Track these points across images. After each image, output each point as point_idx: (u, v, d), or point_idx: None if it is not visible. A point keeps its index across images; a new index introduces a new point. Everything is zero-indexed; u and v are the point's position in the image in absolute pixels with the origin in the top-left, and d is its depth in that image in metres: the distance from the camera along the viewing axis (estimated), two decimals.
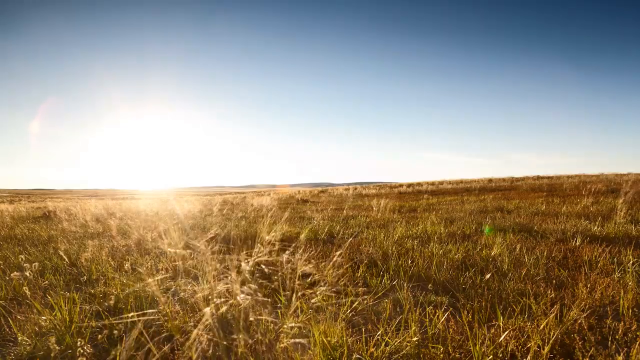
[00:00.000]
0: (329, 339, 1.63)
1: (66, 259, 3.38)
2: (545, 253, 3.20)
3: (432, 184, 22.47)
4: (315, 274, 2.20)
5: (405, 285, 2.58)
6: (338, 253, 1.77)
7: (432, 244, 3.78)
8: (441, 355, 1.61)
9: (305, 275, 2.69)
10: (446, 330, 1.84)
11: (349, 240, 4.09)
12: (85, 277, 2.93)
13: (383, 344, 1.67)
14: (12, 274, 2.53)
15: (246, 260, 1.40)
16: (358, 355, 1.62)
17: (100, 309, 2.26)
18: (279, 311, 2.05)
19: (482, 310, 2.07)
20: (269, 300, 2.24)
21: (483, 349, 1.58)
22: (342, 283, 2.54)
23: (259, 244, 1.57)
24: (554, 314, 1.83)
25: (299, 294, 1.63)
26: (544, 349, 1.56)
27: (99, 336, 1.74)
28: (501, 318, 1.90)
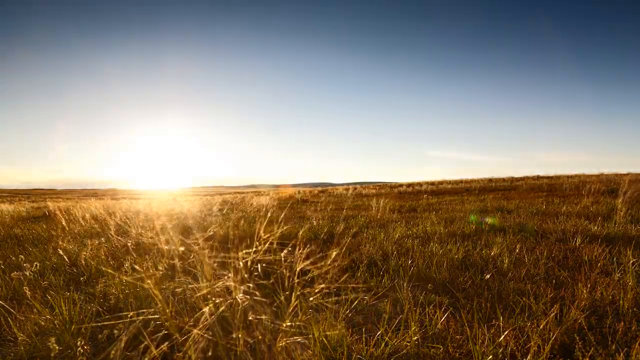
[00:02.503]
0: (328, 338, 1.63)
1: (66, 259, 3.38)
2: (545, 253, 3.20)
3: (432, 183, 22.46)
4: (315, 273, 2.19)
5: (405, 285, 2.58)
6: (338, 252, 1.77)
7: (432, 243, 3.78)
8: (441, 355, 1.60)
9: (304, 274, 2.69)
10: (446, 330, 1.84)
11: (349, 240, 4.09)
12: (85, 277, 2.93)
13: (383, 343, 1.67)
14: (12, 274, 2.53)
15: (245, 260, 1.40)
16: (358, 355, 1.62)
17: (100, 308, 2.26)
18: (278, 310, 2.04)
19: (482, 310, 2.07)
20: (268, 299, 2.24)
21: (483, 349, 1.58)
22: (342, 282, 2.54)
23: (257, 243, 1.57)
24: (554, 314, 1.83)
25: (298, 293, 1.63)
26: (544, 349, 1.56)
27: (99, 336, 1.74)
28: (501, 318, 1.90)
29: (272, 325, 1.76)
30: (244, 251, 1.41)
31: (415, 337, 1.69)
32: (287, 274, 1.74)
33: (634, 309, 1.97)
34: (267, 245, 1.51)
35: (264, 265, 1.57)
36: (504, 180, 20.83)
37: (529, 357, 1.50)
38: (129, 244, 4.09)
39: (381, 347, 1.64)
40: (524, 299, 2.15)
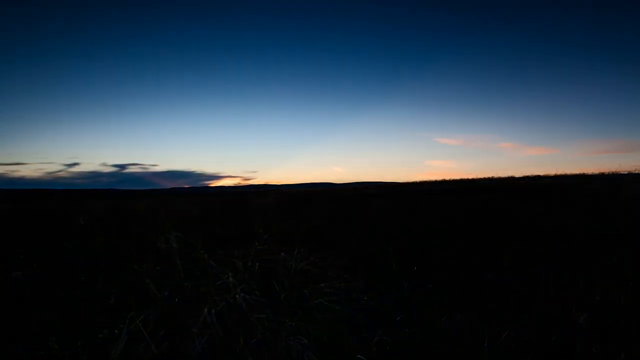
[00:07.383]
0: (328, 337, 1.63)
1: (67, 258, 3.38)
2: (545, 253, 3.20)
3: (433, 183, 22.47)
4: (315, 272, 2.20)
5: (405, 284, 2.58)
6: (338, 252, 1.77)
7: (432, 243, 3.78)
8: (442, 355, 1.60)
9: (304, 273, 2.69)
10: (446, 330, 1.84)
11: (349, 239, 4.09)
12: (85, 276, 2.93)
13: (383, 343, 1.67)
14: (12, 274, 2.54)
15: (245, 259, 1.40)
16: (359, 355, 1.62)
17: (101, 308, 2.26)
18: (278, 309, 2.04)
19: (483, 309, 2.07)
20: (267, 298, 2.24)
21: (483, 349, 1.58)
22: (342, 281, 2.54)
23: (257, 243, 1.57)
24: (554, 314, 1.83)
25: (298, 292, 1.63)
26: (544, 348, 1.56)
27: (100, 335, 1.74)
28: (502, 317, 1.89)
29: (272, 324, 1.76)
30: (243, 250, 1.41)
31: (416, 337, 1.69)
32: (287, 273, 1.74)
33: (635, 309, 1.97)
34: (266, 244, 1.52)
35: (263, 264, 1.57)
36: (504, 180, 20.83)
37: (529, 357, 1.50)
38: (130, 243, 4.10)
39: (382, 347, 1.64)
40: (524, 298, 2.15)
